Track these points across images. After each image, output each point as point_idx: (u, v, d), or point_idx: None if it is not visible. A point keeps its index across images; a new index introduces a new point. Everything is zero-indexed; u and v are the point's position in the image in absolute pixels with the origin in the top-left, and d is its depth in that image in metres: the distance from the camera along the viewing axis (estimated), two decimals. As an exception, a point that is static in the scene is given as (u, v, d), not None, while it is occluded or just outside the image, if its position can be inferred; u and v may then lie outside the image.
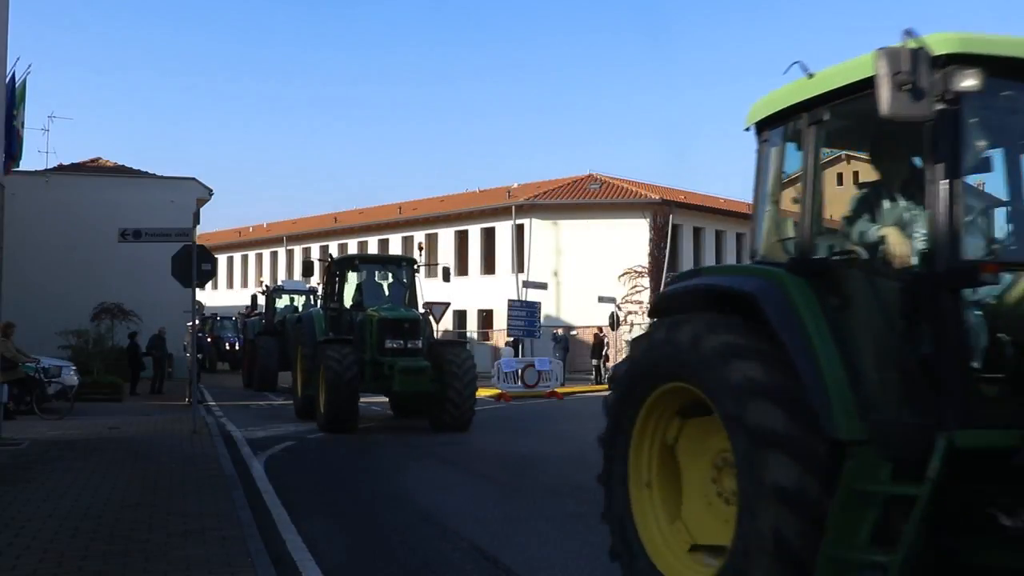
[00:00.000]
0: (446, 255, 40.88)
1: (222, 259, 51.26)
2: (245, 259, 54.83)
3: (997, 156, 4.36)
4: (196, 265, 13.97)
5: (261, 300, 30.21)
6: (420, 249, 30.98)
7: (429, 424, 15.17)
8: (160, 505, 7.94)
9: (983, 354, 3.74)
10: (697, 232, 39.11)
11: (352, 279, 16.78)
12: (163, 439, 12.89)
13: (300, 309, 26.79)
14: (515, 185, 42.40)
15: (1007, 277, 3.83)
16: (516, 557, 6.69)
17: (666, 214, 35.56)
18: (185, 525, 7.10)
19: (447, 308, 26.56)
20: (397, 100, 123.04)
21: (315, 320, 16.76)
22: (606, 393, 5.25)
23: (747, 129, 5.07)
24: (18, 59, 18.64)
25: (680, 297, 4.99)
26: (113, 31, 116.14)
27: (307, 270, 17.55)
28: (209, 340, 36.59)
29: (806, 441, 3.90)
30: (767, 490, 3.90)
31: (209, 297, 47.62)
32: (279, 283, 31.29)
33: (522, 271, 34.50)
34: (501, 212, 37.38)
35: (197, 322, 24.42)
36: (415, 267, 17.22)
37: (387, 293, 16.52)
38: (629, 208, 35.83)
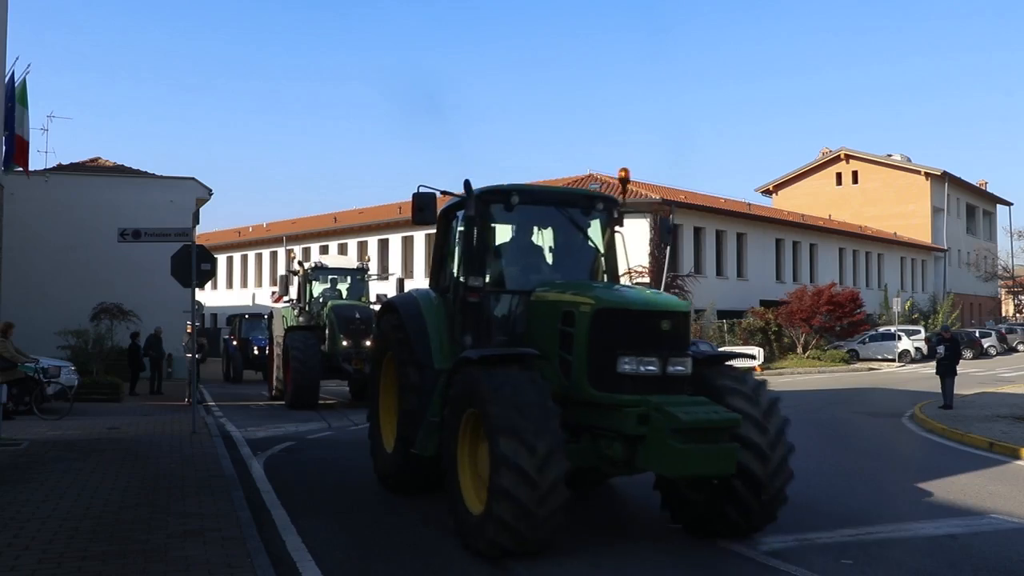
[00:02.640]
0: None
1: (222, 259, 51.30)
2: (245, 259, 54.83)
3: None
4: (195, 265, 13.95)
5: (291, 293, 22.52)
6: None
7: (676, 521, 7.77)
8: (160, 505, 7.93)
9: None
10: (697, 232, 39.11)
11: (500, 234, 8.75)
12: (163, 439, 12.88)
13: (345, 295, 21.92)
14: (515, 185, 42.29)
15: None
16: (516, 557, 6.68)
17: (666, 214, 35.46)
18: (185, 525, 7.10)
19: None
20: (397, 100, 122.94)
21: (425, 309, 8.82)
22: None
23: None
24: (17, 58, 18.66)
25: None
26: (113, 31, 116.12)
27: (422, 212, 8.12)
28: (235, 344, 30.84)
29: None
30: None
31: (208, 297, 47.65)
32: (317, 260, 23.33)
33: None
34: (501, 212, 37.34)
35: (198, 324, 23.61)
36: (617, 213, 8.98)
37: (550, 261, 8.86)
38: (629, 208, 35.77)
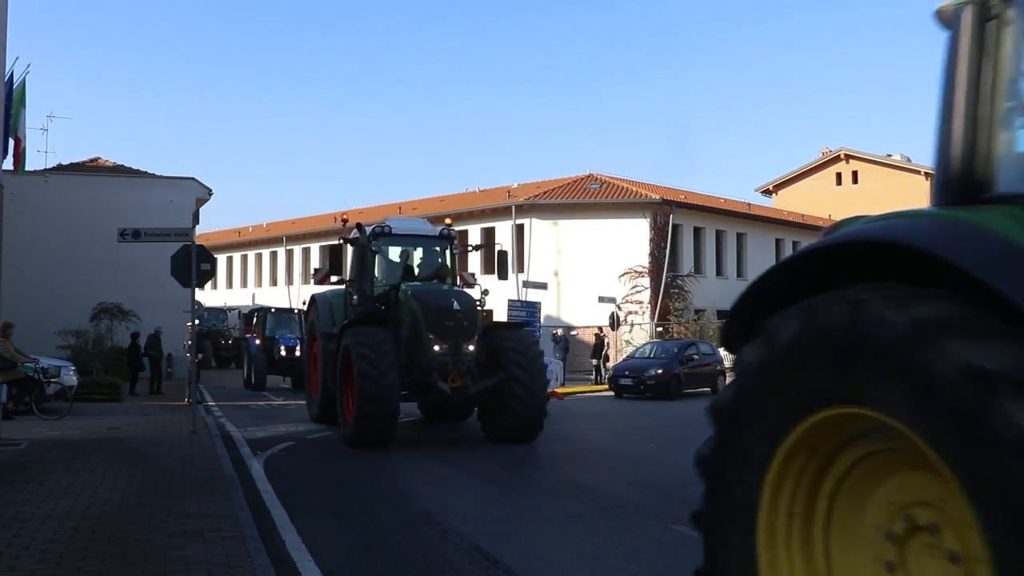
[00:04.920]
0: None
1: (222, 259, 51.30)
2: (245, 259, 54.88)
3: None
4: (195, 265, 13.98)
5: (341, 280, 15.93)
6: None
7: None
8: (160, 505, 7.93)
9: None
10: (697, 232, 39.11)
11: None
12: (163, 439, 12.88)
13: (418, 271, 15.02)
14: (515, 185, 42.41)
15: None
16: (516, 557, 6.69)
17: (666, 214, 35.57)
18: (185, 525, 7.10)
19: None
20: (397, 100, 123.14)
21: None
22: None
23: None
24: (17, 58, 18.68)
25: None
26: (112, 30, 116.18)
27: None
28: (259, 343, 25.64)
29: None
30: None
31: (208, 297, 47.64)
32: (383, 223, 15.32)
33: (522, 271, 34.48)
34: (501, 212, 37.36)
35: (198, 322, 23.18)
36: None
37: None
38: (629, 208, 35.84)
